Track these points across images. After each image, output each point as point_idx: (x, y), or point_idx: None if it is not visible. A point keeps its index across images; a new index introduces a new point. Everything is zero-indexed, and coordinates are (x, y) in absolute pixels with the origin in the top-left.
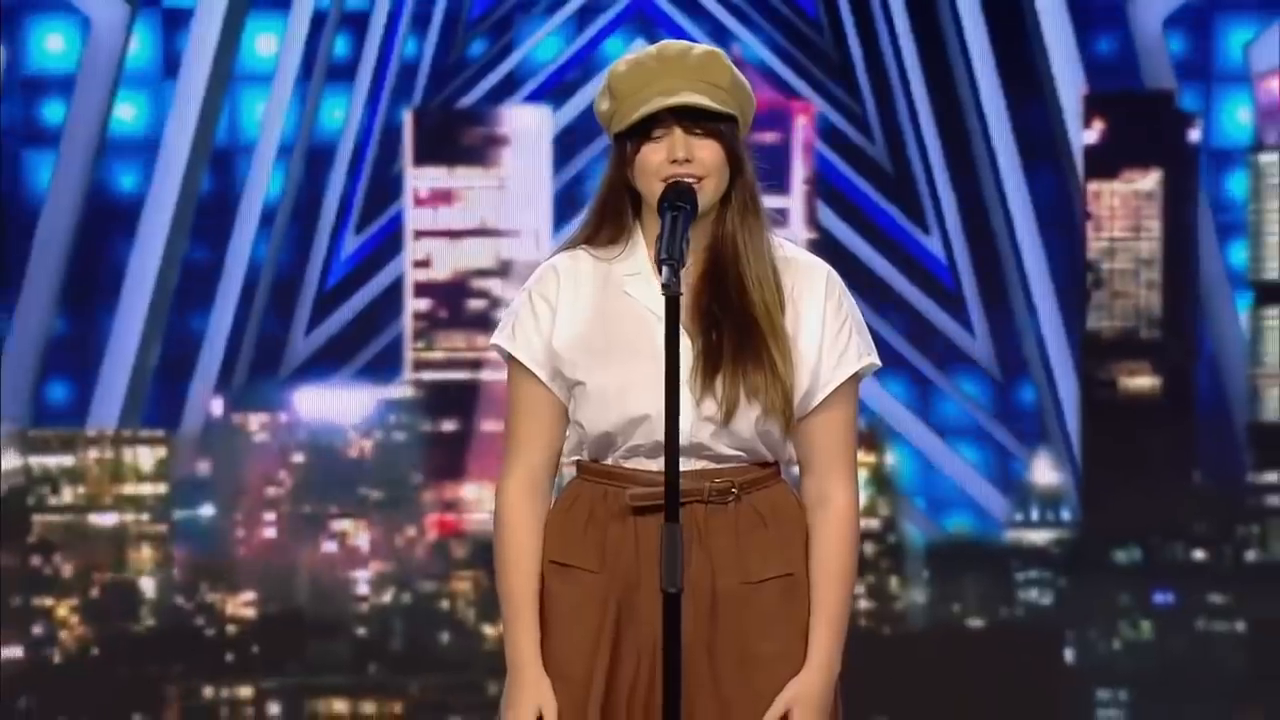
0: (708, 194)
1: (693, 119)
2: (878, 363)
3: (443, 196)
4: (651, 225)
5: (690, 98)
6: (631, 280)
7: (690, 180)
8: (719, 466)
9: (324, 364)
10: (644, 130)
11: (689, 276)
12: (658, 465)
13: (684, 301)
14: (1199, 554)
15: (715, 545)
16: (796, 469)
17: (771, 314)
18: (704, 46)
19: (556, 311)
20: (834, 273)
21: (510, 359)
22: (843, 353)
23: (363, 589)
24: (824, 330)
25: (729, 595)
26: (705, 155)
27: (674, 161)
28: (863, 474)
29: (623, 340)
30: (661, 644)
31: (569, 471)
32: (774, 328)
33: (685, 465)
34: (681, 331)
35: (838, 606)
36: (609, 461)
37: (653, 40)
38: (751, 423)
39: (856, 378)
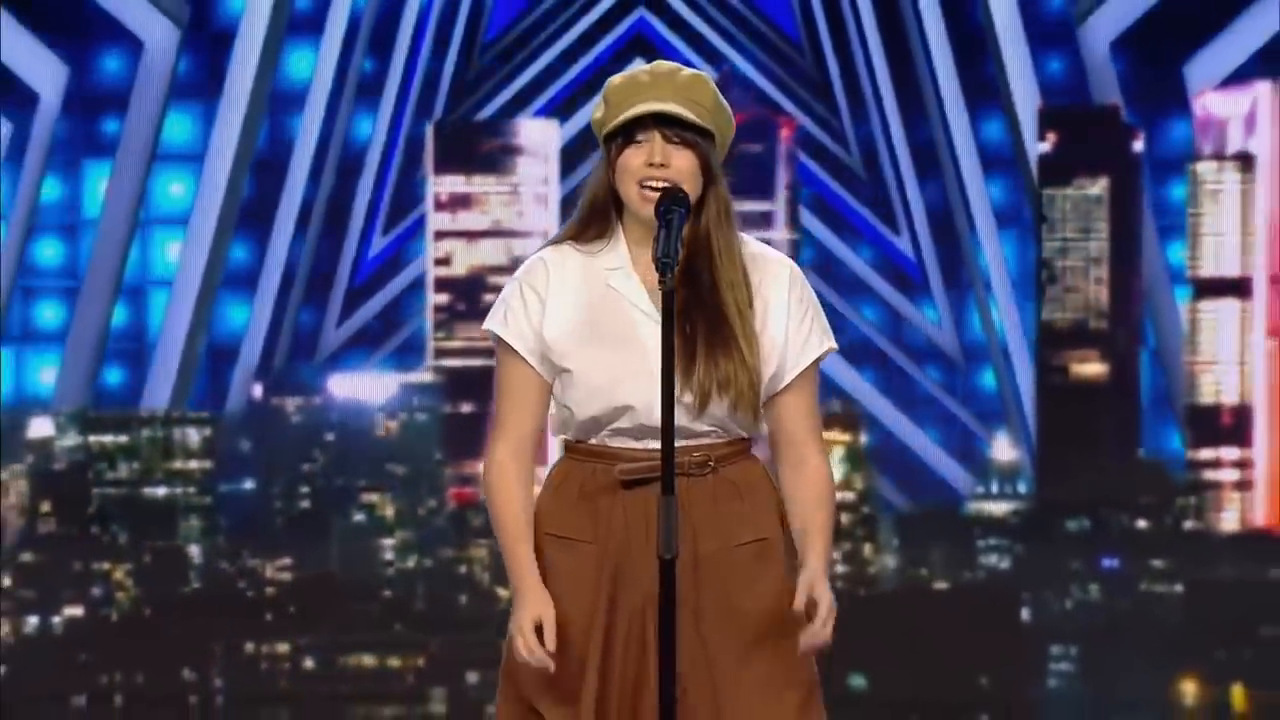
0: None
1: (673, 128)
2: (835, 346)
3: (461, 201)
4: (632, 225)
5: (672, 107)
6: (614, 274)
7: (668, 184)
8: (695, 442)
9: (354, 352)
10: (629, 135)
11: None
12: (641, 444)
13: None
14: (1142, 523)
15: (697, 513)
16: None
17: (742, 313)
18: (693, 70)
19: (546, 303)
20: (796, 267)
21: (502, 343)
22: (806, 339)
23: (388, 555)
24: (789, 319)
25: (710, 558)
26: (681, 163)
27: (651, 165)
28: (839, 451)
29: (608, 332)
30: (658, 605)
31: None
32: (744, 325)
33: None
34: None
35: (826, 527)
36: (594, 441)
37: (651, 61)
38: (724, 407)
39: (819, 359)
